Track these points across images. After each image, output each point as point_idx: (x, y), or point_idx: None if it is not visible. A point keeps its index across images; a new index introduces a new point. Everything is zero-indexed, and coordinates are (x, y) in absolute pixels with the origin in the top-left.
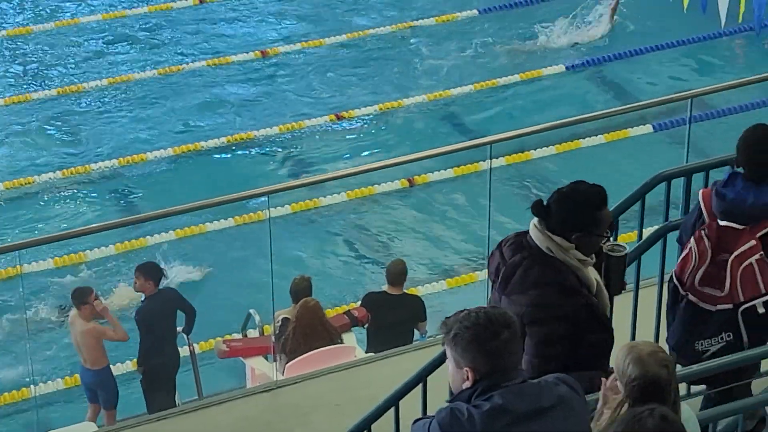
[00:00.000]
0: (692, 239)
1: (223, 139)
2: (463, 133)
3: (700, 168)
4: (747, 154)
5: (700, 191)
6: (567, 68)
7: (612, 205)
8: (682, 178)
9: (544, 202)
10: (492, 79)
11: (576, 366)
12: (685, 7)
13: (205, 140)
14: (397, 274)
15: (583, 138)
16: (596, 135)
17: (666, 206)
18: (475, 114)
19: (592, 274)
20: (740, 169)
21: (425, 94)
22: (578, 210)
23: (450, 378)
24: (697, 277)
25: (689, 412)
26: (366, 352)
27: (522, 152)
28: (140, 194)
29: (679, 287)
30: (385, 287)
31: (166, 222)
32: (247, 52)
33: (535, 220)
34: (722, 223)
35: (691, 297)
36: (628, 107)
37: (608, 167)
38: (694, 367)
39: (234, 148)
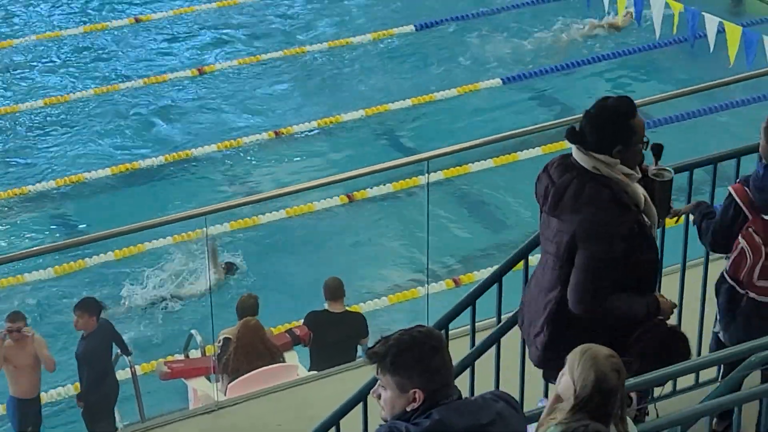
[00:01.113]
0: (741, 237)
1: (161, 158)
2: (402, 148)
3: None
4: None
5: (731, 188)
6: (503, 81)
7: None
8: None
9: (576, 128)
10: (429, 94)
11: (628, 286)
12: (621, 20)
13: (143, 159)
14: (335, 289)
15: (521, 150)
16: (534, 147)
17: None
18: (413, 128)
19: (639, 190)
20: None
21: (363, 110)
22: (612, 124)
23: (388, 406)
24: (756, 273)
25: (633, 426)
26: (309, 371)
27: (460, 165)
28: (78, 215)
29: (737, 287)
30: (326, 305)
31: (104, 244)
32: (184, 70)
33: (575, 146)
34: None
35: (751, 294)
36: (564, 121)
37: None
38: (640, 379)
39: (172, 166)
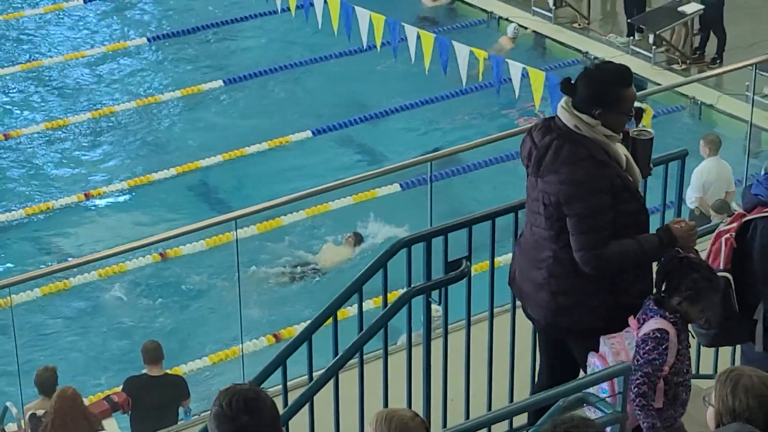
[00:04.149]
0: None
1: None
2: (215, 203)
3: (438, 233)
4: None
5: None
6: (313, 133)
7: (356, 274)
8: (423, 243)
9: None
10: (240, 148)
11: (622, 236)
12: (427, 69)
13: None
14: (153, 352)
15: (332, 201)
16: (345, 197)
17: (408, 271)
18: (225, 183)
19: (621, 150)
20: None
21: (174, 168)
22: (603, 87)
23: None
24: None
25: None
26: None
27: (273, 219)
28: None
29: None
30: (145, 369)
31: None
32: None
33: (563, 101)
34: None
35: None
36: (372, 173)
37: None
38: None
39: None
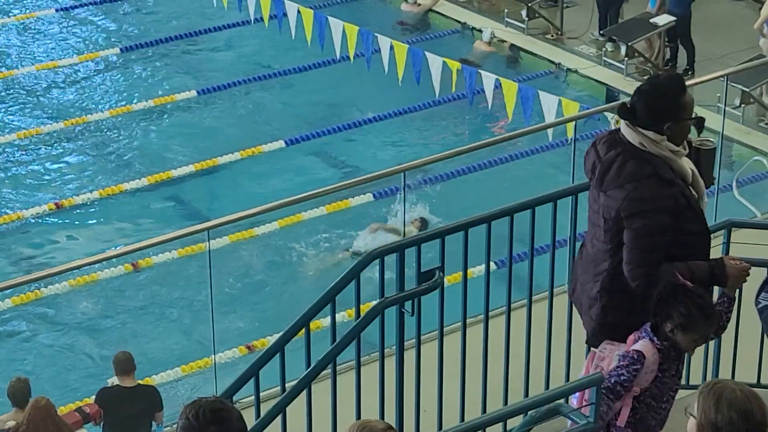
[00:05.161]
0: None
1: None
2: (187, 213)
3: (412, 243)
4: None
5: None
6: (286, 143)
7: (326, 285)
8: (395, 253)
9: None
10: (213, 158)
11: (679, 257)
12: (400, 79)
13: None
14: (125, 363)
15: (305, 211)
16: (317, 207)
17: (381, 283)
18: (197, 193)
19: (687, 165)
20: None
21: (146, 177)
22: (663, 100)
23: None
24: None
25: None
26: None
27: (245, 230)
28: None
29: None
30: (117, 380)
31: None
32: None
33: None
34: None
35: None
36: (345, 184)
37: (331, 242)
38: None
39: None
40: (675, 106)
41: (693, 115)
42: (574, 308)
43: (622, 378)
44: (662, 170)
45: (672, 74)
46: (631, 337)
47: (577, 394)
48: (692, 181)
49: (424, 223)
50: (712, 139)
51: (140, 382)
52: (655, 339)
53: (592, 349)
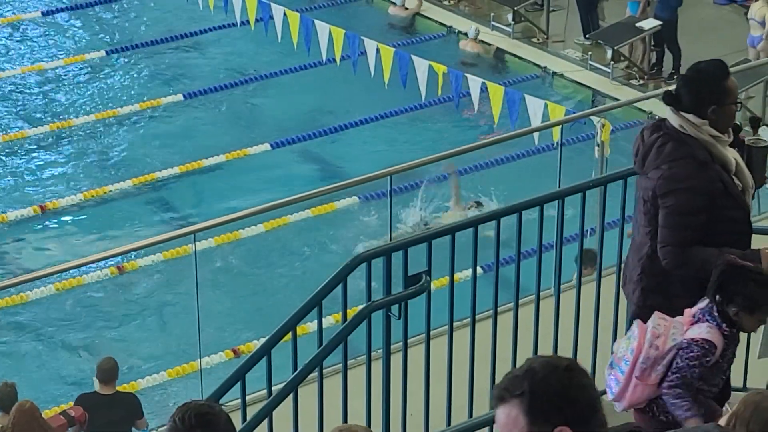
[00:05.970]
0: None
1: None
2: (172, 216)
3: (398, 247)
4: None
5: None
6: (272, 146)
7: (313, 288)
8: (382, 257)
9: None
10: (198, 160)
11: (716, 243)
12: (386, 82)
13: None
14: (108, 371)
15: (291, 214)
16: (303, 210)
17: (368, 286)
18: (183, 197)
19: (730, 153)
20: None
21: (131, 179)
22: (709, 84)
23: None
24: None
25: None
26: None
27: (231, 232)
28: None
29: None
30: (96, 387)
31: None
32: None
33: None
34: None
35: None
36: (331, 187)
37: (317, 245)
38: None
39: None
40: (718, 90)
41: (737, 100)
42: (560, 311)
43: (695, 373)
44: (699, 153)
45: (715, 59)
46: (688, 315)
47: (618, 381)
48: (736, 170)
49: (478, 206)
50: (765, 138)
51: (119, 389)
52: (723, 325)
53: (639, 323)
